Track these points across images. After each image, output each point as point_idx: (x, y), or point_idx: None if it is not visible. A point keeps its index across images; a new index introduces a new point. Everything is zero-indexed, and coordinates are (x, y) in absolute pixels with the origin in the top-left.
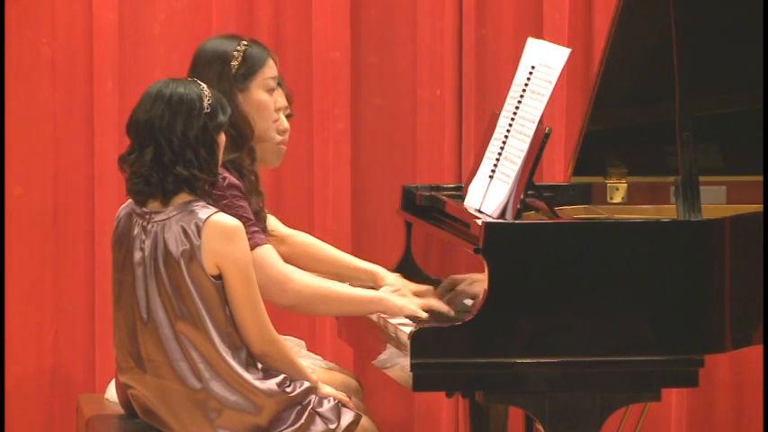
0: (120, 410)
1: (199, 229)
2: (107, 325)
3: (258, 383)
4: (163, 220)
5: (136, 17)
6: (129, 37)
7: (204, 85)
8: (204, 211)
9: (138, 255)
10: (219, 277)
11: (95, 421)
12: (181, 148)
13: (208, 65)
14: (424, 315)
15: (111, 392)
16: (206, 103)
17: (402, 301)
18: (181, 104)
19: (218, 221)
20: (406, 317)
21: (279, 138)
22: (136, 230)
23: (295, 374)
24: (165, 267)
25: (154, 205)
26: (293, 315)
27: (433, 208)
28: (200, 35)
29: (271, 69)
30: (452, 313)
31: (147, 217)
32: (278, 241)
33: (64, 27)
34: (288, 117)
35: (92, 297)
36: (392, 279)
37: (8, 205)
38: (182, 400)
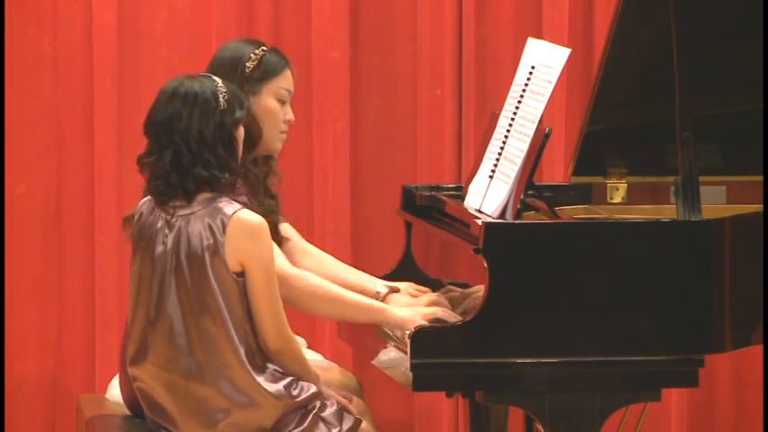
0: (121, 410)
1: (224, 226)
2: (108, 325)
3: (266, 385)
4: (187, 214)
5: (136, 17)
6: (128, 37)
7: (219, 81)
8: (229, 208)
9: (159, 249)
10: (241, 274)
11: (95, 421)
12: (199, 148)
13: (220, 66)
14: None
15: (112, 392)
16: (221, 99)
17: (405, 312)
18: (196, 103)
19: (244, 218)
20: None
21: (283, 126)
22: (159, 224)
23: (303, 374)
24: (188, 262)
25: (177, 201)
26: (294, 314)
27: (433, 208)
28: (201, 35)
29: (286, 80)
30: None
31: (171, 211)
32: (302, 254)
33: (65, 26)
34: None
35: (92, 297)
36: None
37: (10, 204)
38: (188, 396)
